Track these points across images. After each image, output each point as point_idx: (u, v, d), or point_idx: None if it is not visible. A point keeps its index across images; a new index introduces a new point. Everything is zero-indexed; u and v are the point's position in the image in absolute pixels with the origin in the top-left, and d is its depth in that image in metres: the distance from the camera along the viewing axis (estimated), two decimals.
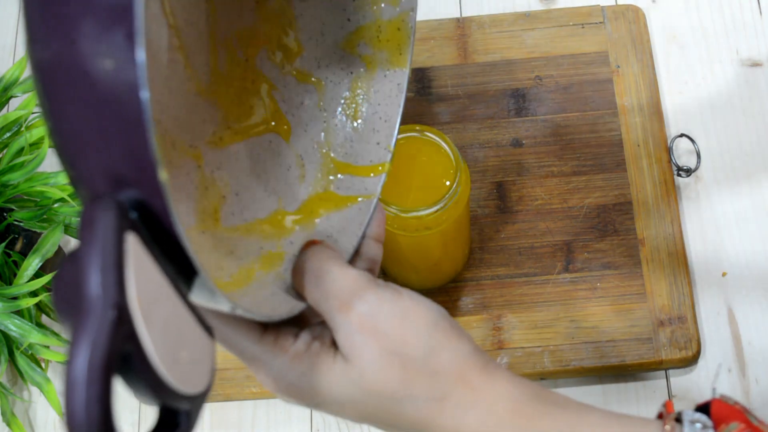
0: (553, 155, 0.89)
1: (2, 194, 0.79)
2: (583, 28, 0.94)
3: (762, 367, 0.82)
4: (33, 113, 0.84)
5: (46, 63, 0.37)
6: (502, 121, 0.91)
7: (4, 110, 0.89)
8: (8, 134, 0.83)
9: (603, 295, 0.83)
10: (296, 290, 0.51)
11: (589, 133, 0.90)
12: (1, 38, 1.01)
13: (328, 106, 0.60)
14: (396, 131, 0.59)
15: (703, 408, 0.49)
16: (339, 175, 0.58)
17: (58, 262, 0.86)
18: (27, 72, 0.85)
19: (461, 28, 0.95)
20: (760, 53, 0.94)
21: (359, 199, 0.58)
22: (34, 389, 0.85)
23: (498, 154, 0.89)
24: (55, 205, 0.81)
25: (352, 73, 0.60)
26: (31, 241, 0.82)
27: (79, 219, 0.36)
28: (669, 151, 0.88)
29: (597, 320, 0.82)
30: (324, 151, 0.59)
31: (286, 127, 0.58)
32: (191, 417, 0.40)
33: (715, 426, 0.47)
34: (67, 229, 0.81)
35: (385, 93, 0.59)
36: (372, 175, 0.58)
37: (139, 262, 0.37)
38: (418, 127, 0.71)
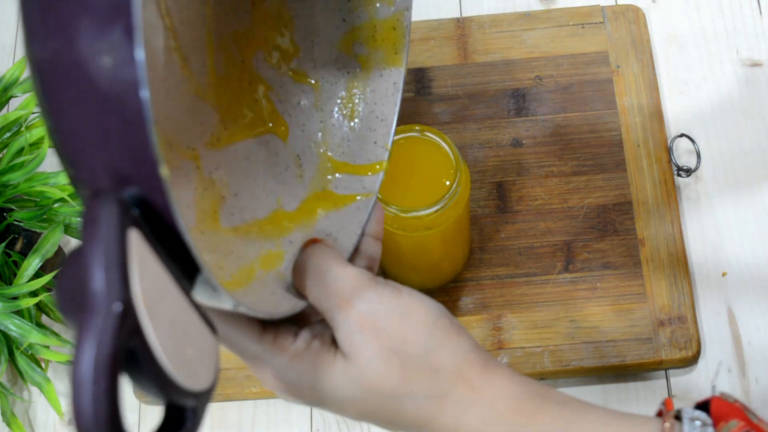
0: (553, 155, 0.89)
1: (2, 194, 0.79)
2: (583, 28, 0.94)
3: (762, 367, 0.82)
4: (33, 113, 0.84)
5: (44, 63, 0.37)
6: (502, 121, 0.91)
7: (4, 110, 0.89)
8: (8, 134, 0.83)
9: (603, 295, 0.83)
10: (297, 289, 0.51)
11: (589, 133, 0.90)
12: (1, 38, 1.01)
13: (324, 106, 0.60)
14: (393, 130, 0.59)
15: (703, 406, 0.49)
16: (337, 175, 0.59)
17: (58, 262, 0.86)
18: (27, 72, 0.85)
19: (461, 28, 0.95)
20: (760, 53, 0.94)
21: (357, 197, 0.58)
22: (34, 389, 0.85)
23: (498, 154, 0.89)
24: (55, 205, 0.81)
25: (348, 72, 0.60)
26: (31, 241, 0.82)
27: (80, 217, 0.36)
28: (669, 151, 0.88)
29: (597, 320, 0.82)
30: (321, 150, 0.59)
31: (283, 127, 0.58)
32: (197, 414, 0.40)
33: (715, 423, 0.47)
34: (67, 229, 0.81)
35: (381, 92, 0.60)
36: (370, 173, 0.59)
37: (143, 259, 0.37)
38: (418, 127, 0.71)
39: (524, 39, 0.94)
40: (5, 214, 0.81)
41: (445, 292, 0.85)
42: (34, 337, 0.76)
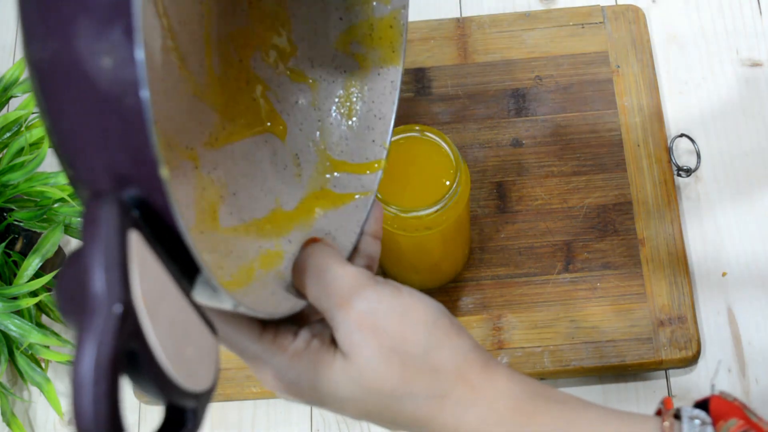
0: (553, 155, 0.89)
1: (2, 194, 0.79)
2: (583, 28, 0.94)
3: (762, 367, 0.82)
4: (33, 113, 0.84)
5: (43, 63, 0.37)
6: (502, 121, 0.91)
7: (4, 110, 0.89)
8: (8, 134, 0.83)
9: (603, 295, 0.83)
10: (296, 288, 0.51)
11: (589, 133, 0.90)
12: (1, 38, 1.01)
13: (322, 104, 0.60)
14: (391, 128, 0.59)
15: (702, 404, 0.49)
16: (335, 173, 0.59)
17: (58, 261, 0.86)
18: (26, 72, 0.85)
19: (461, 28, 0.95)
20: (760, 53, 0.94)
21: (356, 196, 0.58)
22: (34, 389, 0.85)
23: (498, 154, 0.89)
24: (55, 205, 0.81)
25: (345, 71, 0.60)
26: (31, 241, 0.82)
27: (81, 218, 0.36)
28: (669, 151, 0.88)
29: (597, 320, 0.82)
30: (320, 149, 0.59)
31: (281, 126, 0.58)
32: (198, 415, 0.40)
33: (714, 422, 0.47)
34: (67, 229, 0.81)
35: (379, 91, 0.60)
36: (368, 172, 0.59)
37: (143, 260, 0.37)
38: (418, 127, 0.71)
39: (524, 39, 0.94)
40: (5, 214, 0.81)
41: (445, 292, 0.85)
42: (34, 337, 0.76)
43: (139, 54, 0.34)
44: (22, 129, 0.83)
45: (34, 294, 0.77)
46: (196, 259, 0.39)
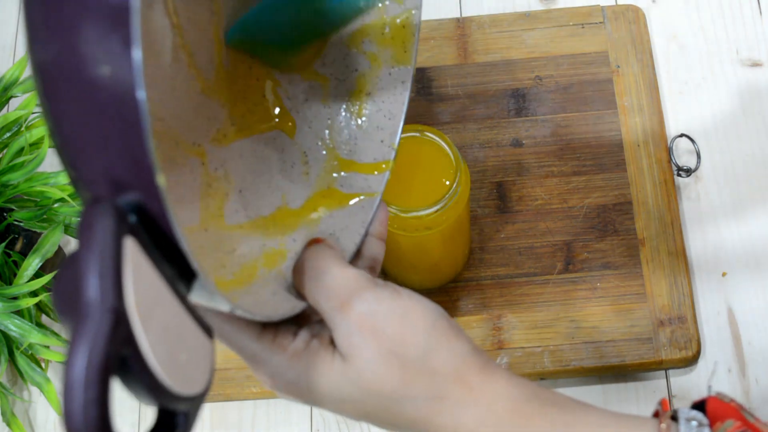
0: (553, 155, 0.89)
1: (2, 194, 0.79)
2: (583, 28, 0.94)
3: (762, 367, 0.82)
4: (33, 113, 0.84)
5: (46, 64, 0.37)
6: (502, 121, 0.91)
7: (4, 110, 0.89)
8: (8, 134, 0.83)
9: (603, 295, 0.83)
10: (296, 289, 0.51)
11: (589, 133, 0.90)
12: (1, 38, 1.01)
13: (332, 103, 0.60)
14: (400, 129, 0.59)
15: (699, 406, 0.49)
16: (342, 173, 0.59)
17: (58, 261, 0.86)
18: (27, 72, 0.85)
19: (461, 28, 0.95)
20: (760, 53, 0.94)
21: (362, 196, 0.58)
22: (34, 389, 0.85)
23: (498, 154, 0.89)
24: (55, 205, 0.81)
25: (356, 70, 0.60)
26: (31, 241, 0.82)
27: (78, 222, 0.37)
28: (669, 151, 0.88)
29: (597, 320, 0.82)
30: (328, 148, 0.59)
31: (290, 124, 0.58)
32: (189, 418, 0.40)
33: (711, 424, 0.47)
34: (67, 229, 0.81)
35: (389, 91, 0.60)
36: (375, 173, 0.59)
37: (137, 267, 0.37)
38: (418, 127, 0.71)
39: (524, 39, 0.94)
40: (5, 214, 0.81)
41: (445, 292, 0.85)
42: (34, 337, 0.76)
43: (137, 55, 0.34)
44: (22, 129, 0.83)
45: (34, 294, 0.77)
46: (193, 265, 0.39)
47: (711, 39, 0.95)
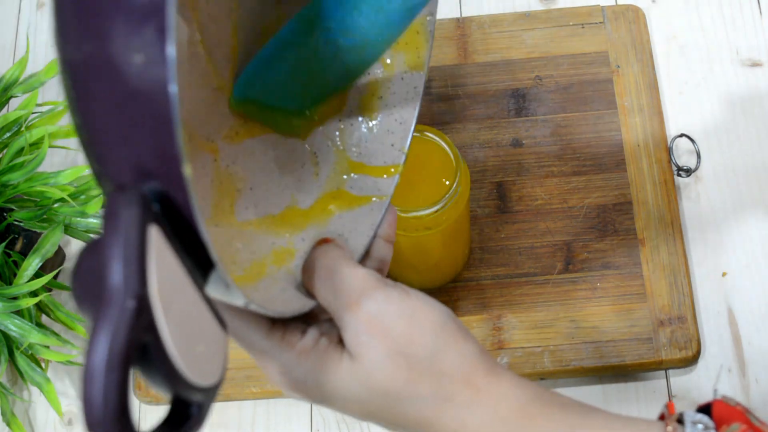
0: (553, 155, 0.89)
1: (2, 194, 0.79)
2: (583, 28, 0.94)
3: (762, 367, 0.82)
4: (33, 113, 0.84)
5: (77, 62, 0.38)
6: (502, 121, 0.91)
7: (4, 110, 0.89)
8: (8, 134, 0.83)
9: (603, 295, 0.84)
10: (305, 288, 0.51)
11: (589, 133, 0.90)
12: (1, 38, 1.01)
13: (344, 105, 0.60)
14: (411, 134, 0.60)
15: (705, 409, 0.49)
16: (352, 175, 0.59)
17: (58, 261, 0.86)
18: (27, 72, 0.85)
19: (461, 28, 0.95)
20: (760, 53, 0.94)
21: (373, 199, 0.58)
22: (34, 389, 0.85)
23: (498, 154, 0.89)
24: (55, 205, 0.81)
25: (369, 74, 0.60)
26: (31, 241, 0.82)
27: (102, 209, 0.37)
28: (669, 151, 0.88)
29: (597, 320, 0.82)
30: (338, 149, 0.59)
31: None
32: (203, 409, 0.41)
33: (717, 427, 0.47)
34: (67, 229, 0.81)
35: (401, 95, 0.60)
36: (385, 176, 0.59)
37: (161, 255, 0.37)
38: (418, 127, 0.70)
39: (524, 39, 0.94)
40: (5, 214, 0.81)
41: (445, 292, 0.85)
42: (34, 337, 0.76)
43: (171, 51, 0.35)
44: (22, 129, 0.83)
45: (34, 294, 0.77)
46: (212, 255, 0.40)
47: (711, 39, 0.95)
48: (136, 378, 0.83)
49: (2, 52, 1.01)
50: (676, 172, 0.88)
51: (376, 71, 0.60)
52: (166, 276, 0.37)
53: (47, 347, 0.78)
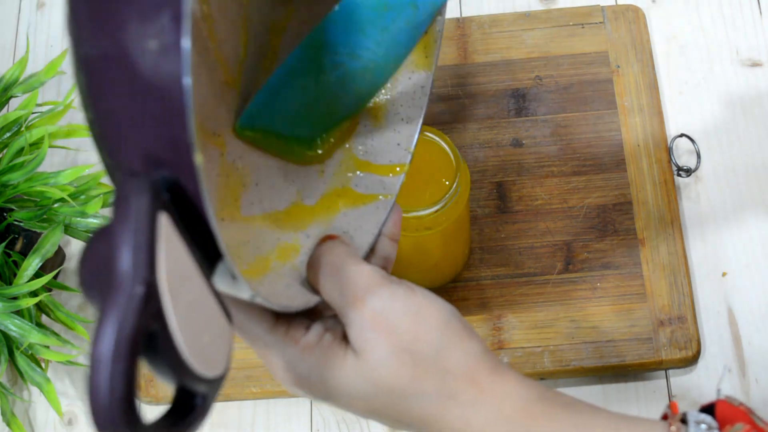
0: (553, 155, 0.89)
1: (2, 194, 0.79)
2: (583, 28, 0.94)
3: (762, 367, 0.82)
4: (33, 113, 0.84)
5: (92, 56, 0.38)
6: (502, 121, 0.91)
7: (4, 110, 0.89)
8: (8, 134, 0.83)
9: (603, 295, 0.84)
10: (310, 284, 0.51)
11: (589, 133, 0.90)
12: (1, 38, 1.01)
13: None
14: (417, 133, 0.60)
15: (708, 409, 0.49)
16: (358, 173, 0.59)
17: (58, 261, 0.86)
18: (27, 72, 0.85)
19: (461, 28, 0.95)
20: (760, 53, 0.94)
21: (379, 197, 0.58)
22: (34, 389, 0.85)
23: (498, 154, 0.89)
24: (55, 205, 0.81)
25: None
26: (31, 241, 0.82)
27: (113, 196, 0.37)
28: (669, 151, 0.88)
29: (597, 320, 0.82)
30: (344, 147, 0.59)
31: None
32: (207, 400, 0.41)
33: (720, 427, 0.47)
34: (67, 229, 0.81)
35: (408, 95, 0.60)
36: (390, 175, 0.59)
37: (170, 243, 0.37)
38: None
39: (524, 39, 0.94)
40: (5, 214, 0.81)
41: (445, 292, 0.84)
42: (34, 337, 0.76)
43: (186, 43, 0.35)
44: (22, 129, 0.83)
45: (34, 294, 0.77)
46: (220, 246, 0.40)
47: (711, 39, 0.95)
48: None
49: (2, 52, 1.00)
50: (676, 172, 0.88)
51: None
52: (175, 265, 0.37)
53: (47, 347, 0.78)
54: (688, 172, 0.88)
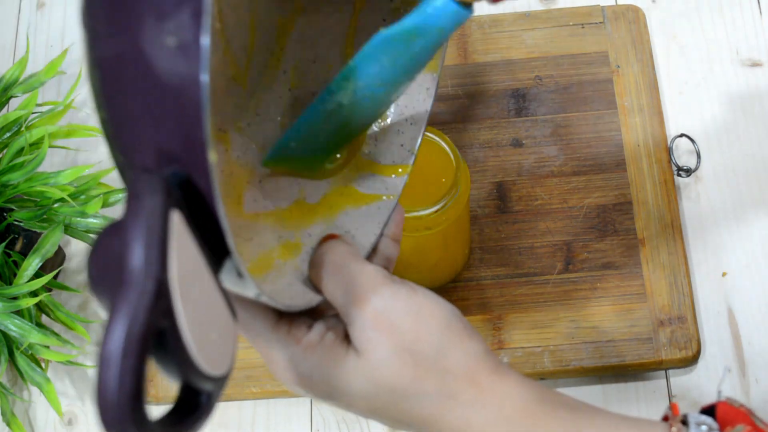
0: (553, 155, 0.89)
1: (2, 194, 0.79)
2: (583, 28, 0.94)
3: (762, 367, 0.82)
4: (33, 113, 0.84)
5: (107, 55, 0.38)
6: (502, 121, 0.91)
7: (4, 110, 0.89)
8: (8, 134, 0.83)
9: (603, 295, 0.84)
10: (312, 283, 0.51)
11: (589, 133, 0.90)
12: (1, 38, 1.01)
13: None
14: (421, 135, 0.60)
15: (709, 410, 0.49)
16: (361, 172, 0.59)
17: (58, 261, 0.86)
18: (27, 72, 0.85)
19: (461, 28, 0.95)
20: (760, 53, 0.94)
21: (383, 197, 0.58)
22: (34, 389, 0.85)
23: (498, 154, 0.89)
24: (55, 205, 0.81)
25: None
26: (31, 241, 0.82)
27: (126, 193, 0.37)
28: (669, 151, 0.88)
29: (597, 320, 0.82)
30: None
31: None
32: (212, 398, 0.41)
33: (721, 428, 0.47)
34: (67, 229, 0.81)
35: (413, 96, 0.60)
36: (393, 175, 0.59)
37: (181, 240, 0.37)
38: None
39: (524, 39, 0.94)
40: (5, 214, 0.81)
41: (445, 292, 0.84)
42: (34, 337, 0.76)
43: (205, 41, 0.35)
44: (22, 129, 0.83)
45: (34, 294, 0.77)
46: (229, 243, 0.40)
47: (711, 39, 0.95)
48: None
49: (2, 52, 1.00)
50: (676, 172, 0.88)
51: None
52: (185, 262, 0.37)
53: (47, 347, 0.78)
54: (688, 172, 0.88)
